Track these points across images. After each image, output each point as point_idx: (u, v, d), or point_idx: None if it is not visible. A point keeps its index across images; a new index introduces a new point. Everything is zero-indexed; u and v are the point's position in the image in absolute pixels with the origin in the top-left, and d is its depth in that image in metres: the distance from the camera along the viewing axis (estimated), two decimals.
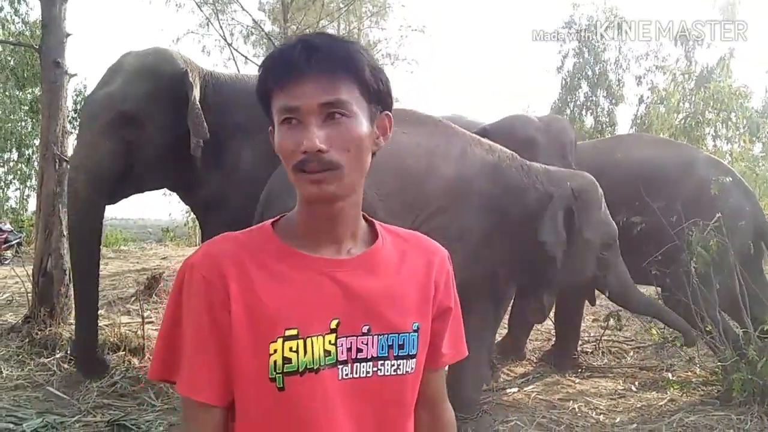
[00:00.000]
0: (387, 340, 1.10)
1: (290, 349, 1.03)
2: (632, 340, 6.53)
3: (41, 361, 4.91)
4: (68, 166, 5.62)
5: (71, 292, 5.53)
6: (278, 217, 1.18)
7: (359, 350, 1.08)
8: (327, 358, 1.06)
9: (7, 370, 4.72)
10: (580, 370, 5.51)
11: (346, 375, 1.07)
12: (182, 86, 4.27)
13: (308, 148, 1.02)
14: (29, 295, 5.68)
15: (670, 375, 5.36)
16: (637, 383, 5.22)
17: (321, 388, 1.05)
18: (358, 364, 1.08)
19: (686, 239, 4.60)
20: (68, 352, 5.01)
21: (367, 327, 1.09)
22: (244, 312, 1.05)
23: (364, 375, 1.09)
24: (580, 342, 6.05)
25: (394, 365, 1.11)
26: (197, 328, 1.06)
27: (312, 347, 1.05)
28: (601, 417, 4.39)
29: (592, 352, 6.12)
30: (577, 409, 4.51)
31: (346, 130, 1.04)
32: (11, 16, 15.23)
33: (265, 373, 1.03)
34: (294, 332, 1.04)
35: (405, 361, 1.12)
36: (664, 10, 19.37)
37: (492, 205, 3.99)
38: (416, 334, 1.13)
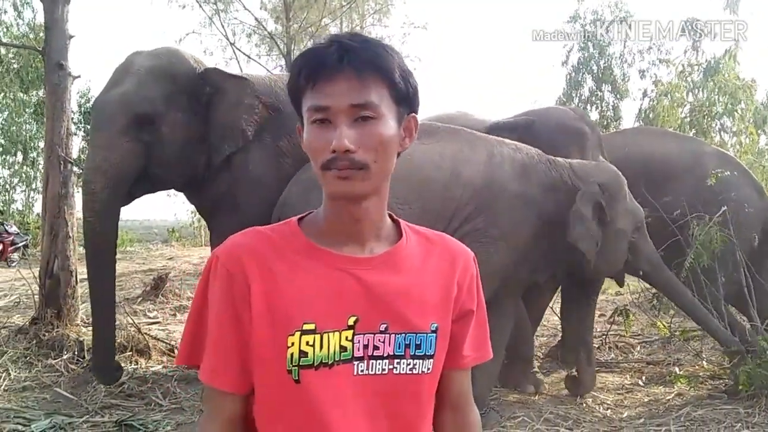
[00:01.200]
0: (404, 339, 1.11)
1: (307, 343, 1.06)
2: (639, 335, 6.52)
3: (49, 362, 4.92)
4: (73, 168, 5.67)
5: (78, 293, 5.56)
6: (305, 213, 1.20)
7: (376, 347, 1.10)
8: (342, 354, 1.07)
9: (15, 372, 4.75)
10: None
11: (362, 371, 1.09)
12: (197, 87, 4.32)
13: (337, 147, 1.03)
14: (36, 297, 5.70)
15: (677, 369, 5.34)
16: (644, 378, 5.22)
17: (335, 383, 1.07)
18: (374, 361, 1.09)
19: (691, 233, 4.58)
20: (76, 353, 5.03)
21: (385, 325, 1.10)
22: (265, 305, 1.07)
23: (380, 372, 1.10)
24: None
25: (410, 364, 1.11)
26: (218, 319, 1.10)
27: (328, 342, 1.07)
28: (609, 412, 4.39)
29: (598, 348, 6.10)
30: (584, 405, 4.51)
31: (375, 132, 1.05)
32: (15, 19, 15.29)
33: (283, 366, 1.06)
34: (311, 327, 1.06)
35: (421, 360, 1.12)
36: (669, 4, 19.31)
37: (529, 204, 4.05)
38: (434, 334, 1.13)
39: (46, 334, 5.22)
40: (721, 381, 4.91)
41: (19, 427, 3.83)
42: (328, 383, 1.07)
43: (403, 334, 1.11)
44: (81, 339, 5.12)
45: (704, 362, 5.39)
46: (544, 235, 4.08)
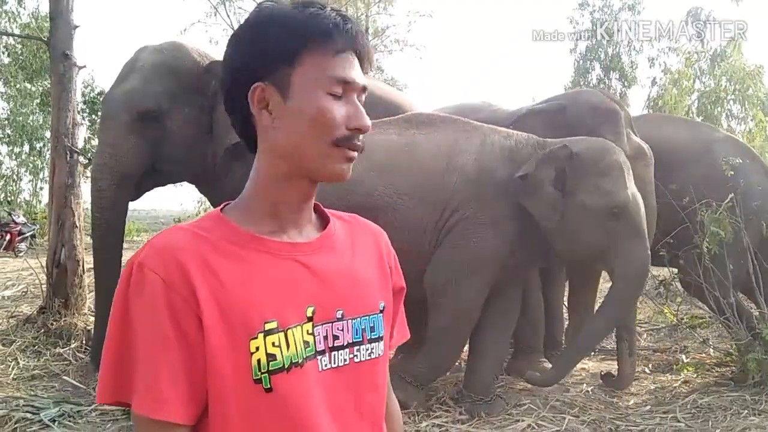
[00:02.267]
0: (360, 323, 1.05)
1: (273, 344, 0.94)
2: (646, 323, 6.50)
3: (57, 351, 4.96)
4: (79, 158, 5.69)
5: (85, 282, 5.60)
6: (222, 205, 1.08)
7: (335, 337, 1.01)
8: (307, 350, 0.97)
9: (24, 361, 4.78)
10: (593, 353, 5.49)
11: (325, 366, 1.00)
12: (201, 81, 4.32)
13: (364, 127, 1.00)
14: (43, 286, 5.74)
15: (683, 357, 5.33)
16: (650, 365, 5.21)
17: (307, 383, 0.97)
18: (335, 352, 1.01)
19: (699, 220, 4.55)
20: (84, 342, 5.06)
21: (341, 312, 1.02)
22: (217, 309, 0.93)
23: (342, 364, 1.02)
24: None
25: (368, 349, 1.05)
26: (156, 335, 0.92)
27: (294, 339, 0.96)
28: (615, 399, 4.38)
29: None
30: (590, 392, 4.51)
31: (366, 115, 1.04)
32: (16, 9, 15.26)
33: (248, 375, 0.93)
34: (274, 325, 0.94)
35: (377, 344, 1.07)
36: None
37: (515, 189, 3.98)
38: (382, 314, 1.09)
39: (54, 323, 5.26)
40: (728, 368, 4.89)
41: (29, 415, 3.86)
42: (301, 384, 0.96)
43: (359, 319, 1.04)
44: (88, 328, 5.15)
45: (711, 350, 5.38)
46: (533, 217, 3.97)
